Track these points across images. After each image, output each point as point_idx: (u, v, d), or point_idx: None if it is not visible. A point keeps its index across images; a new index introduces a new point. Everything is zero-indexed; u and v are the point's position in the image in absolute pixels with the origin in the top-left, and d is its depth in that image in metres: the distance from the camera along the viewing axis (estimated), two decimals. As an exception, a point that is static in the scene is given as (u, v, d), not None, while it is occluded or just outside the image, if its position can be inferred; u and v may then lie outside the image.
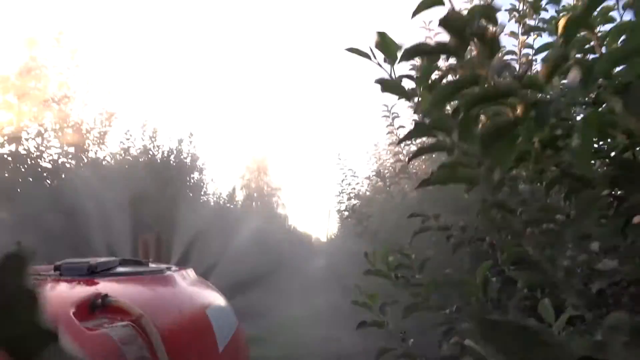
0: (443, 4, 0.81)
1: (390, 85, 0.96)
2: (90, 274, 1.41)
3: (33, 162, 4.63)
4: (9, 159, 4.21)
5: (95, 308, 1.15)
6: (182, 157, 9.04)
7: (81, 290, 1.20)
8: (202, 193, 10.33)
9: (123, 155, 7.63)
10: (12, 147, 4.29)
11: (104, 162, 6.43)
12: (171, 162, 8.65)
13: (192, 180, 9.52)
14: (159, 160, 8.43)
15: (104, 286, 1.28)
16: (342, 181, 4.23)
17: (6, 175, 4.11)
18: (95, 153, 6.31)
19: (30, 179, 4.45)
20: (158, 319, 1.24)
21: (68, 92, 5.69)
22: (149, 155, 8.29)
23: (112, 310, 1.19)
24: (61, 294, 1.18)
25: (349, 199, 3.88)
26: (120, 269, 1.56)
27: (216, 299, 2.07)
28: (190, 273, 2.11)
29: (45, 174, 4.70)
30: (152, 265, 1.87)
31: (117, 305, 1.20)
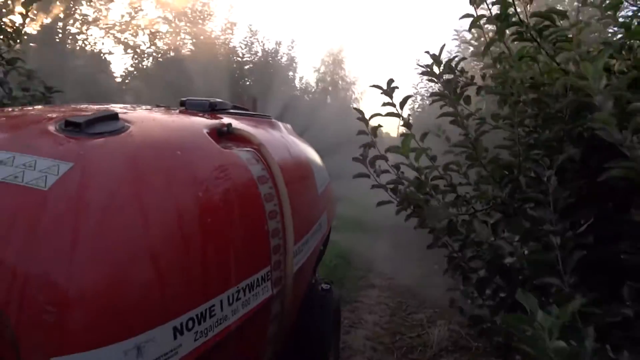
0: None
1: None
2: (211, 110, 1.55)
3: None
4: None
5: (221, 134, 1.29)
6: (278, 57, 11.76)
7: (208, 120, 1.35)
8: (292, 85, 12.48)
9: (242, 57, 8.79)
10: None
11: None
12: (269, 61, 11.31)
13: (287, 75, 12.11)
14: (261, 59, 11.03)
15: (225, 120, 1.41)
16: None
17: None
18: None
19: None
20: (272, 152, 1.37)
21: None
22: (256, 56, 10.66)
23: (236, 138, 1.34)
24: (192, 121, 1.33)
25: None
26: (234, 110, 1.70)
27: (313, 151, 2.21)
28: (289, 127, 2.24)
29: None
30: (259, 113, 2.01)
31: (240, 134, 1.34)
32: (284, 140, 1.75)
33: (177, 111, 1.51)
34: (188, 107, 1.56)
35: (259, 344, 1.24)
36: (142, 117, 1.23)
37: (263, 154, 1.32)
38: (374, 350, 2.58)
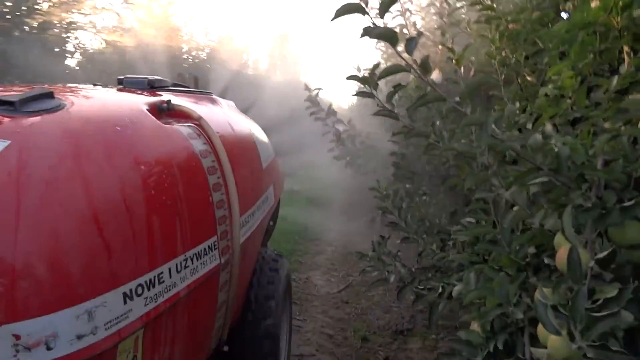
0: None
1: None
2: (150, 87, 1.55)
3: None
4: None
5: (161, 111, 1.30)
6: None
7: (147, 97, 1.36)
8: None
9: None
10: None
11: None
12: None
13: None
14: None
15: (165, 97, 1.43)
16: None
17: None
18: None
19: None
20: (213, 127, 1.40)
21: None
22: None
23: (176, 114, 1.36)
24: (130, 98, 1.34)
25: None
26: (174, 88, 1.71)
27: (256, 127, 2.25)
28: (232, 104, 2.26)
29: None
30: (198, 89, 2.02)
31: (180, 110, 1.36)
32: (226, 115, 1.78)
33: (115, 90, 1.50)
34: (126, 86, 1.55)
35: (209, 311, 1.29)
36: (79, 95, 1.23)
37: (204, 129, 1.35)
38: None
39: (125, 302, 0.87)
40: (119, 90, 1.50)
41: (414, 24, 2.14)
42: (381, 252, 1.70)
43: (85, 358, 0.80)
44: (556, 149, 0.87)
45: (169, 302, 1.00)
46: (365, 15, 0.93)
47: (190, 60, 9.12)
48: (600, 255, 0.83)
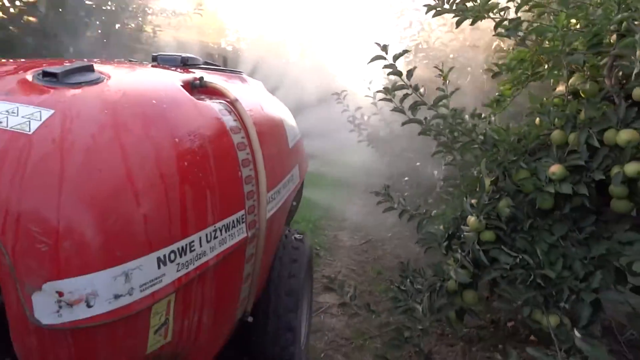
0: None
1: None
2: (183, 65, 1.59)
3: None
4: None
5: (194, 87, 1.34)
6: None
7: (180, 74, 1.39)
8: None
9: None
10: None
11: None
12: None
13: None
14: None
15: (197, 74, 1.46)
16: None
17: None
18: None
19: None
20: (243, 104, 1.43)
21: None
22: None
23: (208, 91, 1.39)
24: (165, 75, 1.38)
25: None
26: (205, 66, 1.74)
27: (284, 107, 2.27)
28: (260, 84, 2.29)
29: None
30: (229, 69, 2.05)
31: (213, 87, 1.39)
32: (255, 95, 1.81)
33: (149, 66, 1.54)
34: (160, 62, 1.60)
35: (235, 282, 1.34)
36: (117, 70, 1.27)
37: (235, 106, 1.38)
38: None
39: (159, 266, 0.91)
40: (154, 66, 1.54)
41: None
42: (388, 191, 2.18)
43: (122, 317, 0.85)
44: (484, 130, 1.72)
45: (199, 270, 1.04)
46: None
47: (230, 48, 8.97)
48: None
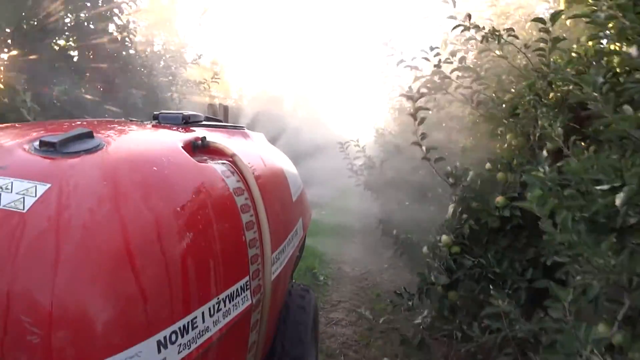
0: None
1: None
2: (184, 123, 1.57)
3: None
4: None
5: (196, 148, 1.31)
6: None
7: (182, 134, 1.36)
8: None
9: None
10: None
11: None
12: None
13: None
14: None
15: (199, 133, 1.43)
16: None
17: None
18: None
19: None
20: (247, 162, 1.40)
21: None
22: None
23: (211, 151, 1.36)
24: (166, 135, 1.35)
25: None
26: (207, 122, 1.72)
27: (286, 159, 2.24)
28: (262, 136, 2.27)
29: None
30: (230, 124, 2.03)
31: (215, 147, 1.36)
32: (258, 150, 1.78)
33: (150, 125, 1.52)
34: (161, 121, 1.57)
35: (240, 353, 1.26)
36: (116, 133, 1.24)
37: (238, 166, 1.34)
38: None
39: (159, 350, 0.84)
40: (154, 126, 1.51)
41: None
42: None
43: (118, 410, 0.77)
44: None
45: (202, 348, 0.97)
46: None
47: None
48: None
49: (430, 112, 2.78)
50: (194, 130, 1.47)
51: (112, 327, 0.78)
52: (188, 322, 0.93)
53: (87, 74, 4.66)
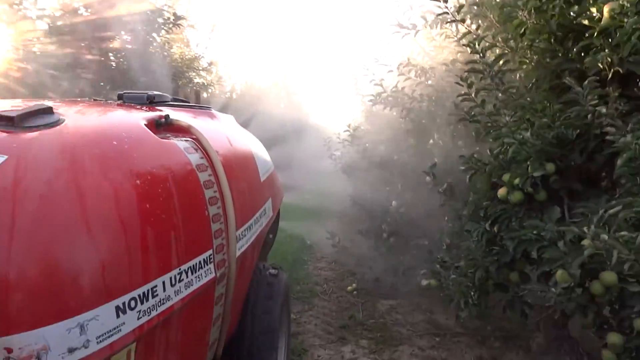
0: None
1: None
2: (150, 103, 1.57)
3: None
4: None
5: (159, 126, 1.32)
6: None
7: (145, 112, 1.38)
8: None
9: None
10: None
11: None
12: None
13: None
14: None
15: (164, 112, 1.45)
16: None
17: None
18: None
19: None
20: (211, 141, 1.42)
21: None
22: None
23: (174, 129, 1.38)
24: (128, 113, 1.36)
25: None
26: (173, 103, 1.73)
27: (256, 140, 2.26)
28: (232, 118, 2.28)
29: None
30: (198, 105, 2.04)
31: (178, 124, 1.38)
32: (224, 129, 1.80)
33: (115, 104, 1.52)
34: (126, 101, 1.58)
35: (204, 325, 1.30)
36: (78, 110, 1.25)
37: (201, 142, 1.37)
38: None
39: (117, 315, 0.87)
40: (119, 105, 1.52)
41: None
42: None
43: (77, 371, 0.80)
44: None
45: (163, 316, 1.00)
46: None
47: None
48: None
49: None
50: (160, 110, 1.48)
51: (68, 292, 0.80)
52: (148, 290, 0.95)
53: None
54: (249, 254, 1.62)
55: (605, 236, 1.58)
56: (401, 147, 4.38)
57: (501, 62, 2.37)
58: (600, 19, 1.95)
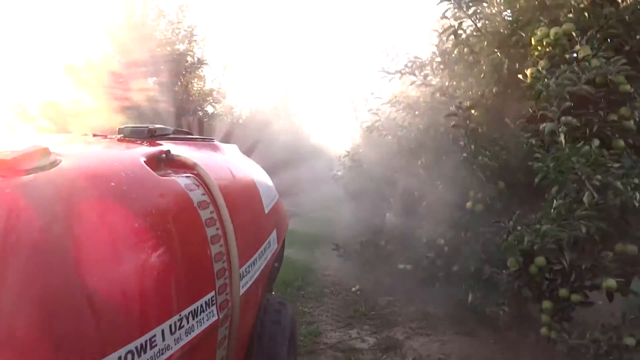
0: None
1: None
2: (150, 136, 1.54)
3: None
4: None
5: (160, 161, 1.29)
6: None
7: (146, 147, 1.34)
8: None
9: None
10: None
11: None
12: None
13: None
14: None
15: (164, 146, 1.41)
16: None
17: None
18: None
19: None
20: (213, 175, 1.38)
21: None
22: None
23: (175, 164, 1.34)
24: (130, 150, 1.33)
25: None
26: (175, 135, 1.70)
27: (259, 170, 2.23)
28: (235, 148, 2.26)
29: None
30: (201, 136, 2.02)
31: (179, 160, 1.34)
32: (227, 162, 1.76)
33: (115, 139, 1.49)
34: (126, 135, 1.55)
35: (207, 369, 1.24)
36: (76, 149, 1.22)
37: (203, 178, 1.33)
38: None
39: (113, 371, 0.82)
40: (119, 140, 1.49)
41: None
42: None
43: None
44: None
45: (162, 367, 0.95)
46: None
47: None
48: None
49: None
50: (160, 144, 1.45)
51: (62, 349, 0.75)
52: (146, 341, 0.90)
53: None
54: (253, 291, 1.57)
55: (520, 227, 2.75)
56: (394, 167, 5.15)
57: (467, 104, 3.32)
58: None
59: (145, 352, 0.90)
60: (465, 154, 3.23)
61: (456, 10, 3.42)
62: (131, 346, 0.86)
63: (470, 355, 3.34)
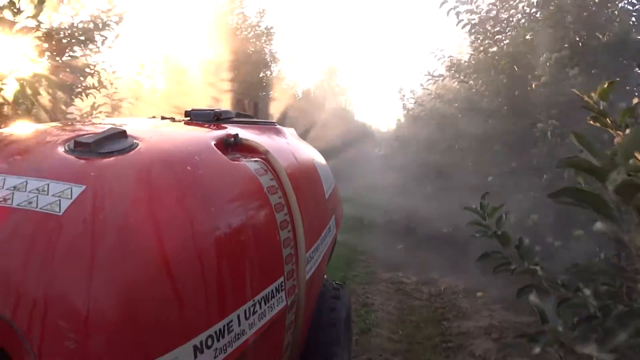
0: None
1: None
2: (216, 120, 1.55)
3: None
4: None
5: (228, 145, 1.28)
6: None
7: (215, 131, 1.34)
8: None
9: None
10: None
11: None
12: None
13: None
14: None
15: (231, 130, 1.41)
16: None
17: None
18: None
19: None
20: (279, 160, 1.37)
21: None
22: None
23: (243, 148, 1.33)
24: (199, 133, 1.33)
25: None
26: (239, 119, 1.70)
27: (318, 154, 2.21)
28: (293, 131, 2.24)
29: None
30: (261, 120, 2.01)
31: (247, 144, 1.33)
32: (290, 146, 1.75)
33: (183, 123, 1.50)
34: (193, 118, 1.56)
35: (276, 355, 1.24)
36: (150, 132, 1.23)
37: (271, 163, 1.32)
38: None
39: (195, 355, 0.83)
40: (187, 123, 1.50)
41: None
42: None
43: (155, 416, 0.76)
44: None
45: (238, 352, 0.95)
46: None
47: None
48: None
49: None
50: (226, 127, 1.45)
51: (148, 333, 0.76)
52: (224, 326, 0.91)
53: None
54: (316, 277, 1.56)
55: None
56: (435, 149, 6.23)
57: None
58: None
59: (223, 337, 0.90)
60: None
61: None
62: (211, 330, 0.87)
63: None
